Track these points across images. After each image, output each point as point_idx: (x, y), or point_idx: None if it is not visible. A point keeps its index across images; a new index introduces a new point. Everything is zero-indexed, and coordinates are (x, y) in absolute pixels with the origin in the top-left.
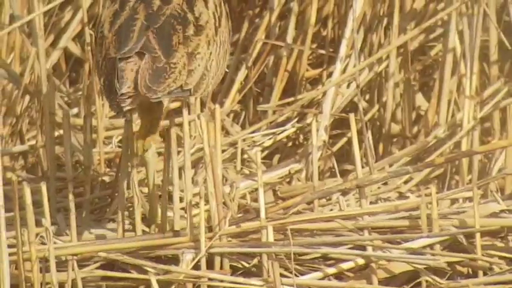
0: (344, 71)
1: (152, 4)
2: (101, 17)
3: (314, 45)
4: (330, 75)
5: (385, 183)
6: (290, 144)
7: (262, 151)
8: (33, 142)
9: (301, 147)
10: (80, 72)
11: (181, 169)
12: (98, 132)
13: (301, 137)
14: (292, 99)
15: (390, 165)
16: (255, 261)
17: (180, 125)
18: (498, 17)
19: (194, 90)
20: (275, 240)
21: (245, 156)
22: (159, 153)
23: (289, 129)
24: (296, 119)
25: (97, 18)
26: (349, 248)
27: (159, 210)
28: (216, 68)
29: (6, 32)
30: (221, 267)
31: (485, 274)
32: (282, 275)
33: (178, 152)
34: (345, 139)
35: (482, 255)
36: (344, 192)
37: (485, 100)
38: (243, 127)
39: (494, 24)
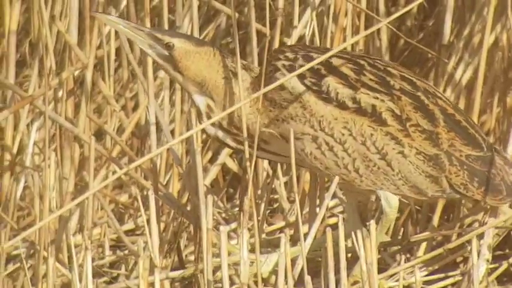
0: None
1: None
2: (396, 109)
3: None
4: None
5: None
6: (451, 263)
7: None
8: (191, 258)
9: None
10: (237, 188)
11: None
12: (255, 249)
13: (461, 258)
14: (451, 224)
15: None
16: None
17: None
18: None
19: None
20: None
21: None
22: None
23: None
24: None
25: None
26: None
27: None
28: None
29: (165, 148)
30: None
31: None
32: None
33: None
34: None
35: None
36: None
37: None
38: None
39: None
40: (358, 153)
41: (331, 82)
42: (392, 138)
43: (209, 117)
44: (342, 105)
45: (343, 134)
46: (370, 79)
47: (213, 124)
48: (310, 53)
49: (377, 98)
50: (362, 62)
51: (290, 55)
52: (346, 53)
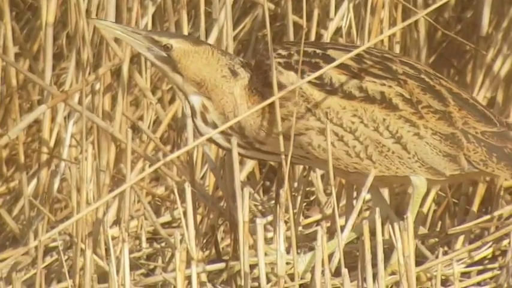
0: None
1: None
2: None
3: None
4: None
5: None
6: (489, 256)
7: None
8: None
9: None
10: (274, 181)
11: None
12: (291, 241)
13: (499, 251)
14: (489, 216)
15: None
16: None
17: None
18: None
19: None
20: None
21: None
22: None
23: (486, 250)
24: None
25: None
26: None
27: None
28: None
29: (201, 141)
30: None
31: None
32: None
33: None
34: None
35: None
36: None
37: None
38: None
39: None
40: (371, 139)
41: (333, 74)
42: (407, 121)
43: (204, 117)
44: (348, 96)
45: (353, 122)
46: (372, 66)
47: (206, 123)
48: (304, 48)
49: (384, 85)
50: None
51: (283, 52)
52: (339, 44)
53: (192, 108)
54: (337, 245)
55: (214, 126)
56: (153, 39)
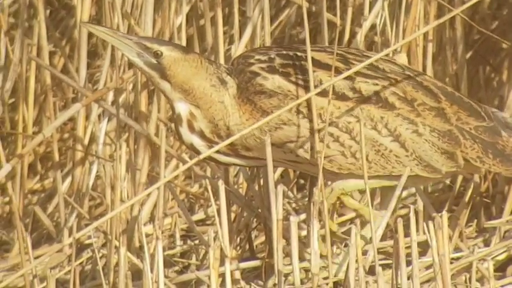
0: None
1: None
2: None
3: None
4: None
5: None
6: None
7: (495, 264)
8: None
9: None
10: (307, 179)
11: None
12: (325, 241)
13: None
14: None
15: None
16: None
17: None
18: None
19: None
20: None
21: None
22: None
23: None
24: None
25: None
26: None
27: None
28: None
29: (234, 139)
30: None
31: None
32: None
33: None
34: None
35: None
36: None
37: None
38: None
39: None
40: (367, 138)
41: (322, 76)
42: (405, 118)
43: (191, 124)
44: (342, 97)
45: (349, 122)
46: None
47: (192, 131)
48: (281, 51)
49: (377, 84)
50: (339, 51)
51: (262, 57)
52: (316, 46)
53: (178, 116)
54: (371, 243)
55: (201, 133)
56: (144, 45)
